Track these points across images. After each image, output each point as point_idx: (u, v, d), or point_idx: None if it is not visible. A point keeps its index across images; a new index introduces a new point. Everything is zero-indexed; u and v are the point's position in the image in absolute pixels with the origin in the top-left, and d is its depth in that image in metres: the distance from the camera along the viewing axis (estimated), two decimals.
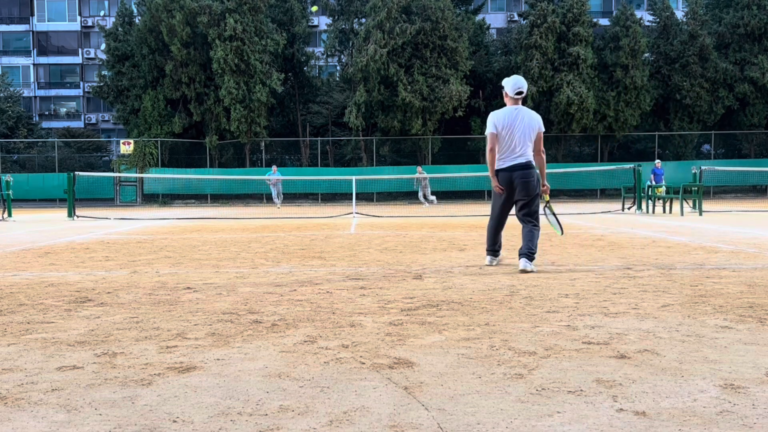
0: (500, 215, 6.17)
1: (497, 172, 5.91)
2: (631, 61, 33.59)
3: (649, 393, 2.35)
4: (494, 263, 6.26)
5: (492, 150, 5.87)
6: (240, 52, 32.82)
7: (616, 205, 20.74)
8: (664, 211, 17.21)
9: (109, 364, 2.81)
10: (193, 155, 36.75)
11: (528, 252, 5.76)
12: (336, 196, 33.78)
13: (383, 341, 3.18)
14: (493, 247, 6.30)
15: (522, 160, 5.81)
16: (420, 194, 26.01)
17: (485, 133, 5.95)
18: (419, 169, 26.07)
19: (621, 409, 2.18)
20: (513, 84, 5.82)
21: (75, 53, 51.71)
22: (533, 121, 5.83)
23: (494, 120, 5.85)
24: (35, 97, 52.11)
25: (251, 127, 34.38)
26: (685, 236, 9.44)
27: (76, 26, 51.61)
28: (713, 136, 36.65)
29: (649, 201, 17.60)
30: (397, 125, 33.74)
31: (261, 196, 34.42)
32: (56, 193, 32.20)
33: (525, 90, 5.85)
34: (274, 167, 26.91)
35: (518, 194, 5.89)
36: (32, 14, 51.64)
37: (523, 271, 5.67)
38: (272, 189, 26.83)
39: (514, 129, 5.78)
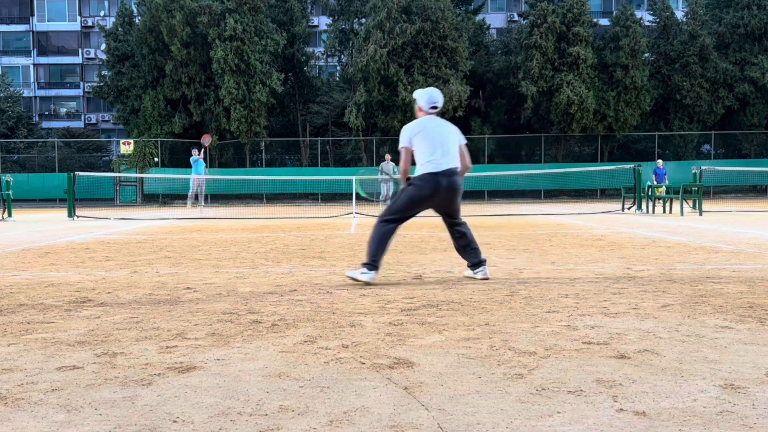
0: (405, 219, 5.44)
1: (428, 175, 5.25)
2: (631, 61, 33.58)
3: (649, 393, 2.35)
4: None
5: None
6: (240, 52, 32.82)
7: (616, 205, 20.74)
8: (664, 211, 17.21)
9: (109, 364, 2.81)
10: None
11: (481, 259, 5.40)
12: (336, 196, 33.77)
13: (383, 341, 3.18)
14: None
15: (453, 165, 5.29)
16: (383, 191, 21.55)
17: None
18: (387, 157, 21.57)
19: (621, 409, 2.18)
20: (428, 97, 5.39)
21: (75, 53, 51.71)
22: (454, 131, 5.44)
23: (407, 133, 5.38)
24: (35, 97, 52.10)
25: (251, 127, 34.38)
26: (685, 236, 9.44)
27: (76, 26, 51.61)
28: (713, 136, 36.65)
29: (649, 201, 17.60)
30: (397, 125, 33.72)
31: (261, 196, 34.42)
32: (56, 193, 32.19)
33: (440, 105, 5.43)
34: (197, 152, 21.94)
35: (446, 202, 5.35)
36: (32, 14, 51.64)
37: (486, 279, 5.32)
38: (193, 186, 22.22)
39: (435, 134, 5.33)
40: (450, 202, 5.32)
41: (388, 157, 21.55)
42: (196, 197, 22.46)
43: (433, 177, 5.21)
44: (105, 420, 2.13)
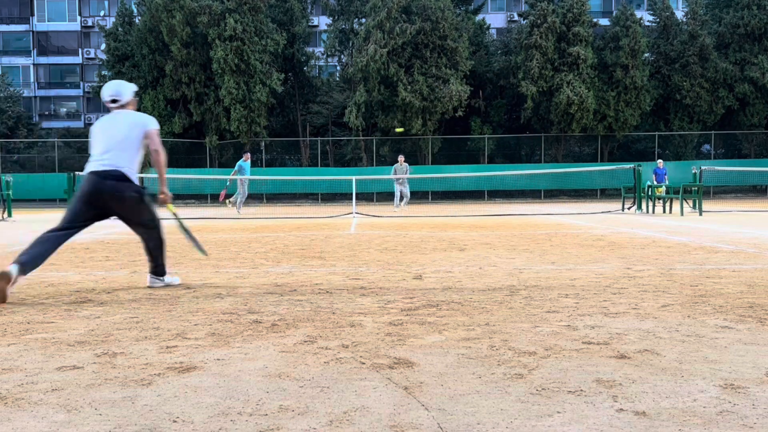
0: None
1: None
2: (631, 61, 33.59)
3: (649, 393, 2.35)
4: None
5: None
6: (240, 52, 32.82)
7: (616, 205, 20.74)
8: (664, 211, 17.21)
9: (109, 364, 2.81)
10: (193, 155, 36.74)
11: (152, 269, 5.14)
12: (336, 196, 33.78)
13: (383, 341, 3.18)
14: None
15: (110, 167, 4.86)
16: (397, 192, 21.54)
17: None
18: (401, 158, 21.44)
19: (621, 409, 2.18)
20: (103, 92, 5.06)
21: (75, 53, 51.70)
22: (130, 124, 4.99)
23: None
24: (35, 97, 52.09)
25: (251, 127, 34.37)
26: (685, 236, 9.44)
27: (76, 26, 51.61)
28: (713, 136, 36.65)
29: (649, 201, 17.60)
30: (397, 125, 33.75)
31: (261, 196, 34.42)
32: (56, 193, 32.18)
33: (116, 96, 5.03)
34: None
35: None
36: (32, 14, 51.64)
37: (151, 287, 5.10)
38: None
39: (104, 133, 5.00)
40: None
41: (401, 158, 21.48)
42: (236, 200, 21.47)
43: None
44: (105, 420, 2.13)
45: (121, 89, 5.09)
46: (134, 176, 4.97)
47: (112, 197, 4.86)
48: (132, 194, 4.90)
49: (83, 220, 4.97)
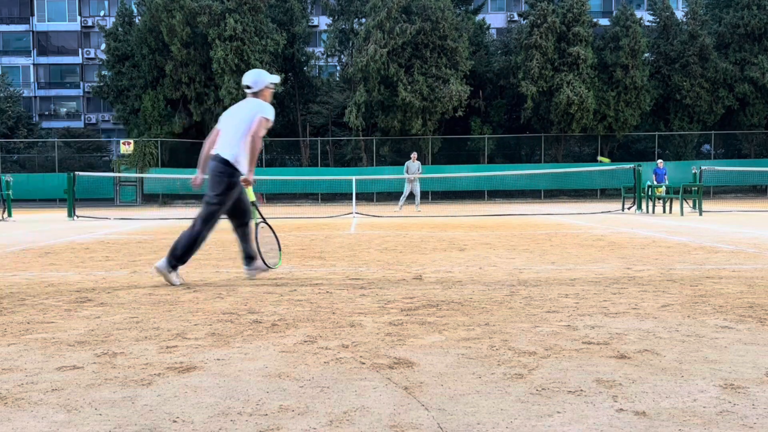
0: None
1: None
2: (631, 61, 33.59)
3: (649, 393, 2.35)
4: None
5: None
6: (240, 52, 32.82)
7: (616, 205, 20.74)
8: (664, 211, 17.21)
9: (109, 364, 2.81)
10: (193, 155, 36.64)
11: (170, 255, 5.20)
12: (336, 196, 33.78)
13: (383, 341, 3.18)
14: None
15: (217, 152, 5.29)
16: (406, 191, 20.87)
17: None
18: (414, 156, 20.98)
19: (621, 409, 2.18)
20: (243, 78, 5.44)
21: (75, 53, 51.70)
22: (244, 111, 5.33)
23: (272, 110, 5.36)
24: (35, 97, 52.09)
25: None
26: (685, 236, 9.44)
27: (76, 26, 51.61)
28: (713, 136, 36.66)
29: (649, 201, 17.60)
30: (397, 125, 33.74)
31: (260, 196, 34.40)
32: (56, 193, 32.18)
33: (249, 83, 5.34)
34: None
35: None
36: (32, 14, 51.64)
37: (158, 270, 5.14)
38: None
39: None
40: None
41: (414, 155, 21.05)
42: None
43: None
44: (105, 420, 2.13)
45: (258, 78, 5.36)
46: (235, 160, 5.17)
47: (210, 176, 5.24)
48: (216, 174, 5.18)
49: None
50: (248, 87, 5.35)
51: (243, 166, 5.17)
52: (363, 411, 2.20)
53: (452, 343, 3.12)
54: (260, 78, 5.36)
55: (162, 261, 5.14)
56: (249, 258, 5.50)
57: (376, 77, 32.88)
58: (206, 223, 5.28)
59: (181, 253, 5.14)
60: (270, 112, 5.26)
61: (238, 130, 5.21)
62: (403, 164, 22.30)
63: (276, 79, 5.49)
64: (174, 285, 5.12)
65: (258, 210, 5.59)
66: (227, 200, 5.24)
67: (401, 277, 5.50)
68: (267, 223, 5.68)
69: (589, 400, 2.27)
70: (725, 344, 3.05)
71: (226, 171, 5.15)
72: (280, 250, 5.72)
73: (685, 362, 2.75)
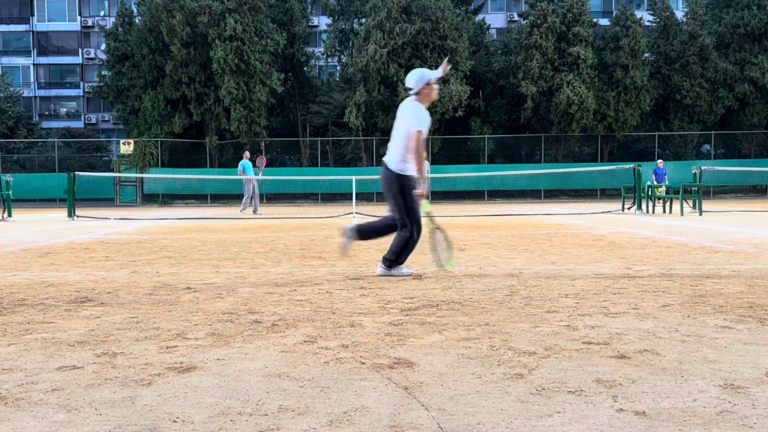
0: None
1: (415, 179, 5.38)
2: (631, 61, 33.59)
3: (649, 393, 2.35)
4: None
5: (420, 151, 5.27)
6: (240, 52, 32.82)
7: (616, 205, 20.74)
8: (664, 211, 17.21)
9: (109, 364, 2.81)
10: (193, 155, 36.74)
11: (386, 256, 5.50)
12: (336, 196, 33.78)
13: (383, 341, 3.17)
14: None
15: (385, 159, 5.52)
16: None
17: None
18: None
19: (621, 409, 2.18)
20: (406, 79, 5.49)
21: (75, 53, 51.71)
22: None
23: (425, 116, 5.32)
24: (35, 97, 52.10)
25: (251, 127, 34.38)
26: (685, 236, 9.44)
27: (76, 26, 51.61)
28: (713, 136, 36.66)
29: (649, 201, 17.60)
30: None
31: (260, 196, 34.41)
32: (56, 193, 32.19)
33: (410, 85, 5.38)
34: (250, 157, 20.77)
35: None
36: (32, 14, 51.64)
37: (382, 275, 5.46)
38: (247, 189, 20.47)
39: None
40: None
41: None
42: (245, 203, 20.62)
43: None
44: (105, 420, 2.13)
45: (418, 78, 5.36)
46: (398, 166, 5.33)
47: (382, 185, 5.46)
48: (386, 183, 5.39)
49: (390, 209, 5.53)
50: (409, 89, 5.41)
51: (411, 171, 5.34)
52: (363, 411, 2.20)
53: (452, 343, 3.12)
54: (420, 78, 5.36)
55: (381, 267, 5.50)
56: (386, 260, 5.51)
57: (376, 77, 32.89)
58: (414, 237, 5.44)
59: (397, 255, 5.46)
60: (420, 122, 5.25)
61: (399, 143, 5.34)
62: None
63: (436, 74, 5.42)
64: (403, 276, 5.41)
65: (432, 218, 5.65)
66: (411, 203, 5.35)
67: (401, 277, 5.50)
68: (440, 228, 5.68)
69: (589, 400, 2.27)
70: (725, 344, 3.05)
71: (394, 179, 5.35)
72: (450, 251, 5.70)
73: (685, 362, 2.75)
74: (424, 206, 5.51)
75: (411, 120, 5.27)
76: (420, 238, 5.49)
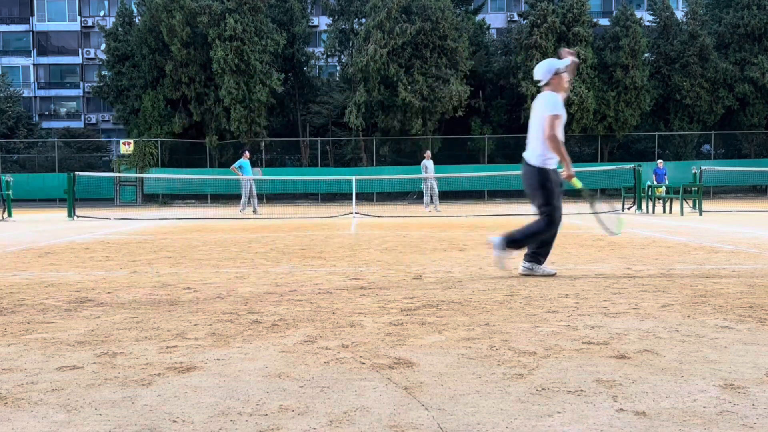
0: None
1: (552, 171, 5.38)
2: (631, 61, 33.60)
3: (649, 393, 2.35)
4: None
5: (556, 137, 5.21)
6: (240, 52, 32.83)
7: (616, 206, 20.73)
8: (664, 211, 17.21)
9: (109, 364, 2.81)
10: (193, 155, 36.75)
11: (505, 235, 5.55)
12: (336, 196, 33.78)
13: (383, 341, 3.17)
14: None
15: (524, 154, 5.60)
16: (426, 194, 20.44)
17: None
18: (428, 154, 20.58)
19: (621, 409, 2.18)
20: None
21: (75, 53, 51.71)
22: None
23: (558, 102, 5.29)
24: (35, 97, 52.10)
25: (251, 127, 34.38)
26: (685, 236, 9.44)
27: (76, 26, 51.61)
28: (713, 136, 36.66)
29: (649, 201, 17.60)
30: (397, 125, 33.74)
31: (261, 196, 34.43)
32: (56, 193, 32.20)
33: (538, 77, 5.45)
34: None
35: None
36: (32, 14, 51.64)
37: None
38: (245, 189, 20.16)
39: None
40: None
41: (428, 153, 20.60)
42: (244, 204, 20.19)
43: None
44: (105, 420, 2.13)
45: (545, 69, 5.39)
46: (537, 160, 5.36)
47: (523, 181, 5.48)
48: (527, 179, 5.43)
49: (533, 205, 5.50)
50: (538, 81, 5.42)
51: (552, 163, 5.34)
52: (363, 411, 2.20)
53: (452, 343, 3.12)
54: (547, 68, 5.38)
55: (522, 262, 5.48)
56: (528, 254, 5.48)
57: (376, 77, 32.88)
58: (549, 225, 5.41)
59: (536, 249, 5.45)
60: (555, 106, 5.25)
61: (537, 134, 5.35)
62: (402, 164, 22.23)
63: (563, 63, 5.41)
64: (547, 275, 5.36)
65: (588, 195, 5.85)
66: (551, 197, 5.35)
67: (401, 277, 5.50)
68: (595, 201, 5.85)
69: (589, 400, 2.27)
70: (725, 344, 3.05)
71: (534, 174, 5.38)
72: (619, 218, 5.87)
73: (685, 362, 2.75)
74: (575, 183, 5.52)
75: (544, 108, 5.29)
76: (556, 233, 5.47)
